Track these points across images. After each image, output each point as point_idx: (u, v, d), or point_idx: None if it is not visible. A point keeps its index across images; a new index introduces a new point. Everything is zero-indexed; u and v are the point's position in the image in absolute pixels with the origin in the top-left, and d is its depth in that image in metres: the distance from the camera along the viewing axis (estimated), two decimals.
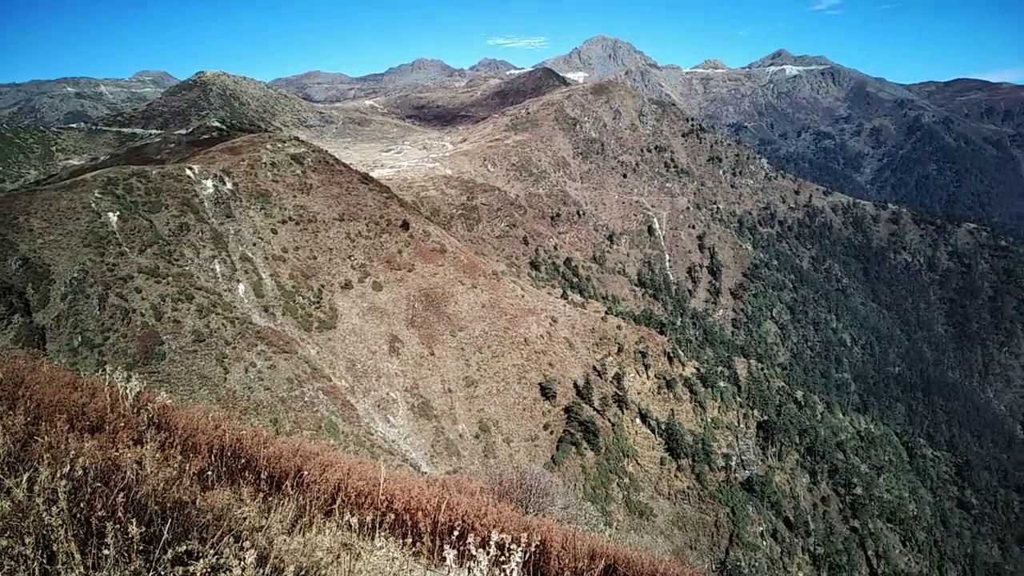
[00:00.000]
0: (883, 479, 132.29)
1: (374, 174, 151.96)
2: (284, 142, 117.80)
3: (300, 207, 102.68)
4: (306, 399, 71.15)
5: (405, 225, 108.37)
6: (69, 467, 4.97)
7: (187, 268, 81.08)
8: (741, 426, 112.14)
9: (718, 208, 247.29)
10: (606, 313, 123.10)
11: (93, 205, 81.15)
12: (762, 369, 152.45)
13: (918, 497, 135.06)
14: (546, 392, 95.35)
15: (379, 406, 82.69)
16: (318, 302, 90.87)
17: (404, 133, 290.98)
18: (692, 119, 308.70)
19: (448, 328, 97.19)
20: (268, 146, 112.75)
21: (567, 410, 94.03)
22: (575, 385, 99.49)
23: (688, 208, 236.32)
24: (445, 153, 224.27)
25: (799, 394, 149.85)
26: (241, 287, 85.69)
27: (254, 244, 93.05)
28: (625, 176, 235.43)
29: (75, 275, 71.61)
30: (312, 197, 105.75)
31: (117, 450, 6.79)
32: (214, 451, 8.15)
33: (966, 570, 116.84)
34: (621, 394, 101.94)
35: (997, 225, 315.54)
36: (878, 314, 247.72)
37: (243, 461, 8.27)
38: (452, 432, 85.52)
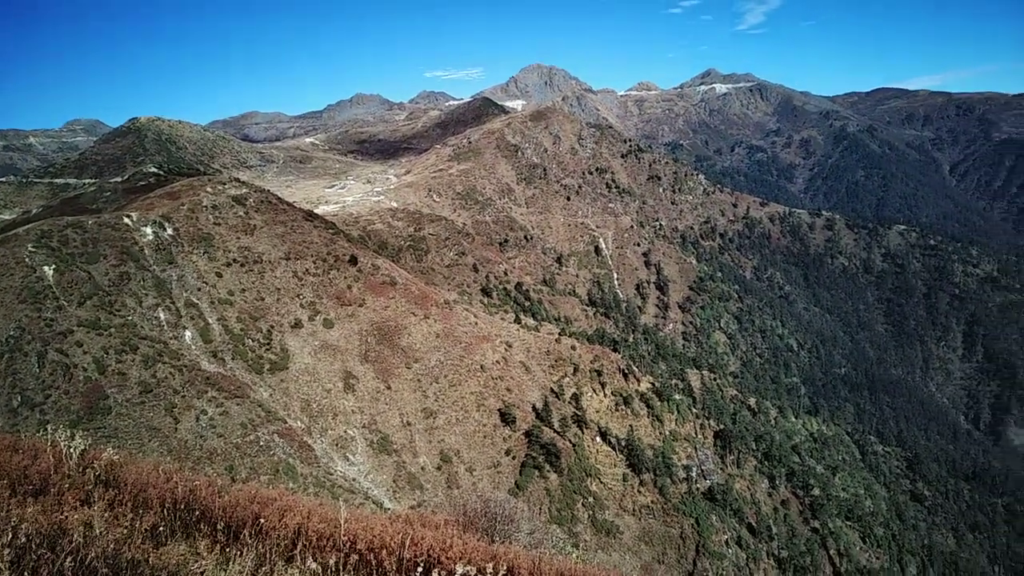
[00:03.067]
0: (839, 478, 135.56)
1: (319, 211, 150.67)
2: (224, 184, 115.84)
3: (244, 248, 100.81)
4: (261, 443, 69.33)
5: (353, 260, 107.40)
6: (11, 535, 4.79)
7: (130, 318, 78.60)
8: (699, 437, 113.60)
9: (661, 225, 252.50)
10: (560, 334, 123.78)
11: (27, 259, 78.27)
12: (715, 379, 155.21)
13: (873, 493, 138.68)
14: (506, 418, 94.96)
15: (337, 445, 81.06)
16: (268, 343, 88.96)
17: (347, 168, 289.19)
18: (630, 140, 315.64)
19: (403, 360, 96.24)
20: (208, 189, 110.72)
21: (528, 434, 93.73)
22: (534, 408, 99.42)
23: (632, 227, 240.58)
24: (389, 186, 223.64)
25: (752, 401, 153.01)
26: (188, 334, 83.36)
27: (199, 289, 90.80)
28: (569, 199, 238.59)
29: (11, 333, 68.74)
30: (256, 238, 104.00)
31: (63, 512, 6.56)
32: (166, 505, 7.91)
33: (924, 561, 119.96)
34: (580, 414, 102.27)
35: (925, 225, 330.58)
36: (821, 318, 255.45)
37: (198, 513, 8.05)
38: (414, 465, 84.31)
